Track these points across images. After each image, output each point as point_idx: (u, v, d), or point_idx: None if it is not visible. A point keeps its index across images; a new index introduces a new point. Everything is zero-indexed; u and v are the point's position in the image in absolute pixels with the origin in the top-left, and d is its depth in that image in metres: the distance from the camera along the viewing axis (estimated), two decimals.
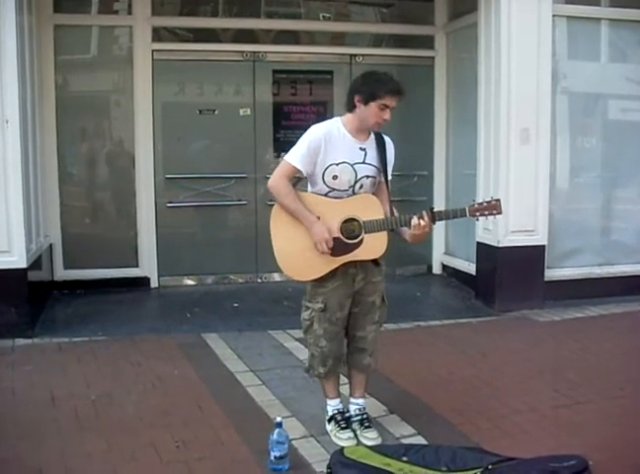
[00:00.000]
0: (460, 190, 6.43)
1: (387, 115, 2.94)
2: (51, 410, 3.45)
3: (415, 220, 2.91)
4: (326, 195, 2.99)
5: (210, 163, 6.29)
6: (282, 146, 6.04)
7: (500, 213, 2.97)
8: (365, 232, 2.93)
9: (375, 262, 3.07)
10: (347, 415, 3.21)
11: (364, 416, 3.21)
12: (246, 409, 3.51)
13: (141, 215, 6.10)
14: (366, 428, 3.15)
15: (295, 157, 2.95)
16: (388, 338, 4.09)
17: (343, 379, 3.35)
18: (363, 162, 2.99)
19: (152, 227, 6.12)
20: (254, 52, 6.28)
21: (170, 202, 6.18)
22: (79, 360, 4.22)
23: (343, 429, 3.14)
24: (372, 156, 3.02)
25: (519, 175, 5.41)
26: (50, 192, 5.80)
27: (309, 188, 3.05)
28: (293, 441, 3.06)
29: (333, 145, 2.95)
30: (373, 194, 3.03)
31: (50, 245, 5.78)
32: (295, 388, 3.76)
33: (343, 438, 3.09)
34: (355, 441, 3.09)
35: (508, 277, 5.46)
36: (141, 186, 6.08)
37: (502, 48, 5.33)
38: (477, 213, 2.96)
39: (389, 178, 3.07)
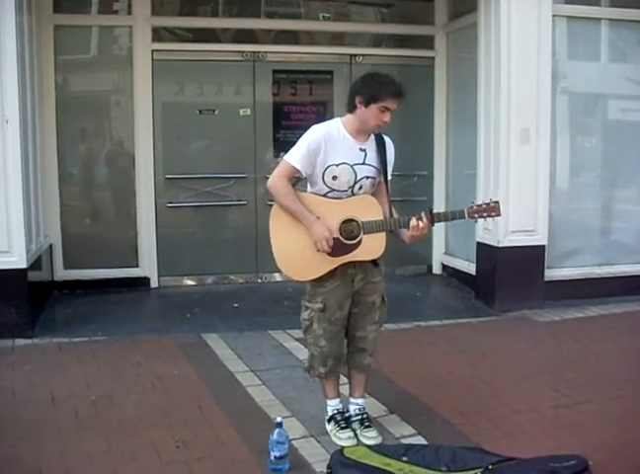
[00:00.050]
0: (460, 190, 6.42)
1: (388, 117, 2.93)
2: (51, 410, 3.45)
3: (414, 222, 2.91)
4: (325, 195, 2.99)
5: (210, 163, 6.29)
6: (282, 146, 6.03)
7: (498, 215, 2.98)
8: (364, 233, 2.93)
9: (374, 262, 3.07)
10: (347, 415, 3.21)
11: (364, 416, 3.21)
12: (246, 409, 3.51)
13: (141, 215, 6.10)
14: (366, 427, 3.15)
15: (295, 157, 2.95)
16: (388, 338, 4.08)
17: (343, 379, 3.35)
18: (363, 163, 2.99)
19: (152, 227, 6.12)
20: (254, 52, 6.27)
21: (170, 202, 6.18)
22: (79, 361, 4.22)
23: (343, 428, 3.13)
24: (372, 157, 3.01)
25: (518, 175, 5.41)
26: (50, 192, 5.80)
27: (309, 188, 3.05)
28: (293, 441, 3.06)
29: (333, 146, 2.94)
30: (373, 194, 3.03)
31: (50, 245, 5.78)
32: (295, 388, 3.76)
33: (343, 438, 3.09)
34: (354, 441, 3.09)
35: (508, 277, 5.46)
36: (141, 186, 6.08)
37: (502, 48, 5.33)
38: (476, 215, 2.96)
39: (389, 178, 3.07)
